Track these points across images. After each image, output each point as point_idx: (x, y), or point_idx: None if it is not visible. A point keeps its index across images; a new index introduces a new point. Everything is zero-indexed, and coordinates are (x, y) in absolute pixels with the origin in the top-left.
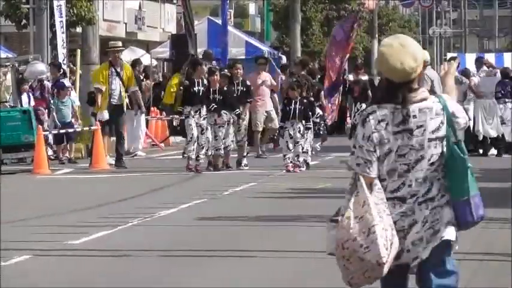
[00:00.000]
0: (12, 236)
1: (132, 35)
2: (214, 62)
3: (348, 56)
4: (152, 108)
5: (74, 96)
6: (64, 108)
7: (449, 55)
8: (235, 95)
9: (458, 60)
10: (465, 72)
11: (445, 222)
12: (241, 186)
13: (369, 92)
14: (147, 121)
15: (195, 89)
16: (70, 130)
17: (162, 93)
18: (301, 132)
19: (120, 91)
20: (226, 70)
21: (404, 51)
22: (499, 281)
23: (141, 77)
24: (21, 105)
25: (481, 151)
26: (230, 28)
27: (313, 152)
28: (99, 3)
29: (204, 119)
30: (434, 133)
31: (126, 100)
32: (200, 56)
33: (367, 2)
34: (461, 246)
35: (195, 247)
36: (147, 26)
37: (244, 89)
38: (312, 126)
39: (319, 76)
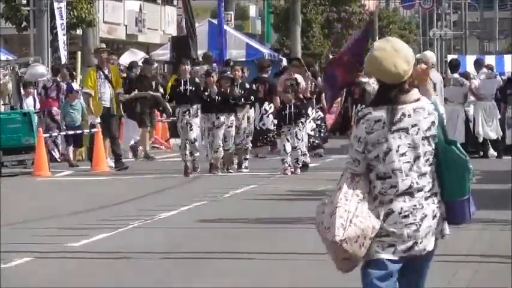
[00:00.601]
0: (13, 238)
1: (133, 37)
2: (214, 64)
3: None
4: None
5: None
6: (74, 111)
7: (449, 57)
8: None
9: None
10: (465, 75)
11: (444, 217)
12: (242, 189)
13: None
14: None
15: (181, 88)
16: (78, 132)
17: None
18: (298, 136)
19: (110, 94)
20: (229, 72)
21: (397, 55)
22: (500, 282)
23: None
24: (21, 108)
25: (481, 153)
26: (231, 30)
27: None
28: (100, 5)
29: (193, 117)
30: (427, 132)
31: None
32: (200, 58)
33: (367, 4)
34: (462, 247)
35: (196, 249)
36: (148, 28)
37: (243, 92)
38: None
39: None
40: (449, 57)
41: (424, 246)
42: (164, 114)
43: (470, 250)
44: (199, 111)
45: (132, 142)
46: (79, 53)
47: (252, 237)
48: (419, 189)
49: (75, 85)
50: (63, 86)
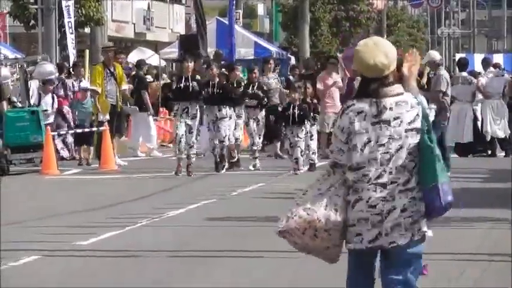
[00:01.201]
0: (21, 237)
1: (141, 36)
2: (223, 63)
3: None
4: (161, 109)
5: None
6: (84, 110)
7: (457, 55)
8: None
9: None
10: (473, 73)
11: (422, 215)
12: (250, 187)
13: None
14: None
15: (181, 84)
16: (87, 130)
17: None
18: (300, 136)
19: (116, 91)
20: (224, 69)
21: (377, 49)
22: (507, 281)
23: (151, 78)
24: (30, 105)
25: (489, 152)
26: (239, 29)
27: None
28: (108, 3)
29: (192, 118)
30: (411, 124)
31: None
32: (211, 57)
33: (375, 3)
34: (470, 245)
35: (204, 248)
36: (156, 27)
37: (241, 91)
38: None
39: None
40: (458, 55)
41: (393, 239)
42: (172, 113)
43: (478, 249)
44: (198, 111)
45: (141, 140)
46: (87, 51)
47: (260, 235)
48: (393, 181)
49: (85, 83)
50: (69, 83)
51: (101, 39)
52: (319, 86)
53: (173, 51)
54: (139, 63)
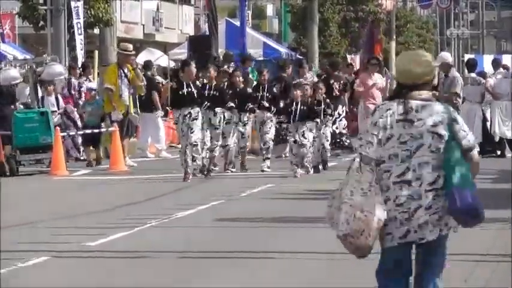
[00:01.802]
0: (30, 237)
1: (150, 37)
2: (232, 64)
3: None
4: (170, 110)
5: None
6: (92, 110)
7: (466, 56)
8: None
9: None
10: (482, 74)
11: (446, 211)
12: (259, 188)
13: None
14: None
15: (184, 91)
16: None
17: None
18: (305, 135)
19: (129, 92)
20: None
21: (412, 58)
22: None
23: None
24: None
25: (498, 152)
26: (248, 29)
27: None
28: (117, 4)
29: (193, 120)
30: (433, 128)
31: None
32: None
33: (384, 3)
34: (480, 246)
35: (213, 248)
36: (165, 28)
37: (245, 95)
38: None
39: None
40: (466, 56)
41: (422, 236)
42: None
43: (488, 249)
44: (200, 113)
45: (150, 140)
46: (96, 52)
47: (269, 236)
48: (418, 178)
49: (93, 84)
50: (75, 82)
51: (110, 40)
52: (359, 87)
53: (182, 52)
54: (147, 64)
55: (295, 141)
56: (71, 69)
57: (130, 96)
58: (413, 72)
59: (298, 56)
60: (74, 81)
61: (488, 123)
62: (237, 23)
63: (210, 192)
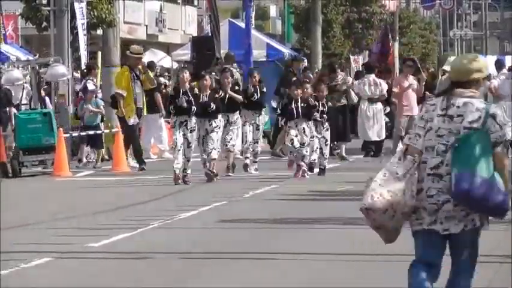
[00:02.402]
0: (33, 238)
1: (153, 37)
2: (235, 64)
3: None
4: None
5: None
6: (91, 111)
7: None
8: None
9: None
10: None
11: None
12: (262, 189)
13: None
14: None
15: (180, 98)
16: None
17: None
18: (306, 133)
19: (142, 94)
20: (214, 74)
21: (466, 58)
22: None
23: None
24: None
25: None
26: (251, 30)
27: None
28: (120, 5)
29: (191, 131)
30: (471, 124)
31: None
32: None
33: (388, 4)
34: (484, 247)
35: (216, 249)
36: (168, 28)
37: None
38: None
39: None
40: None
41: (447, 227)
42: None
43: (491, 250)
44: (196, 124)
45: (152, 141)
46: (99, 53)
47: (272, 237)
48: (449, 173)
49: (90, 85)
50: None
51: (113, 41)
52: (395, 88)
53: (185, 53)
54: (150, 65)
55: (291, 142)
56: (91, 71)
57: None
58: (460, 70)
59: (301, 57)
60: (90, 82)
61: None
62: (240, 24)
63: (213, 193)
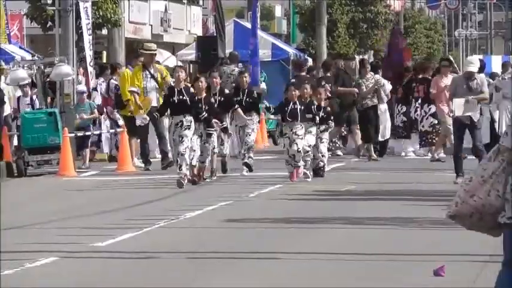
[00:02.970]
0: (38, 238)
1: (158, 37)
2: (240, 64)
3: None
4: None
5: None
6: (82, 113)
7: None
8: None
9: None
10: (492, 75)
11: None
12: (267, 188)
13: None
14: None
15: (174, 98)
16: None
17: None
18: (298, 133)
19: (157, 92)
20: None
21: None
22: None
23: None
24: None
25: None
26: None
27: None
28: (125, 5)
29: (185, 129)
30: None
31: None
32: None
33: (393, 4)
34: (488, 247)
35: (222, 249)
36: (173, 28)
37: (223, 99)
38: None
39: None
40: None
41: None
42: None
43: (496, 250)
44: (192, 122)
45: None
46: (104, 53)
47: (277, 236)
48: None
49: (82, 86)
50: (113, 83)
51: (118, 41)
52: (432, 89)
53: (190, 53)
54: None
55: (290, 144)
56: (115, 70)
57: (160, 96)
58: None
59: (306, 57)
60: (113, 81)
61: (496, 124)
62: (245, 24)
63: (218, 193)
